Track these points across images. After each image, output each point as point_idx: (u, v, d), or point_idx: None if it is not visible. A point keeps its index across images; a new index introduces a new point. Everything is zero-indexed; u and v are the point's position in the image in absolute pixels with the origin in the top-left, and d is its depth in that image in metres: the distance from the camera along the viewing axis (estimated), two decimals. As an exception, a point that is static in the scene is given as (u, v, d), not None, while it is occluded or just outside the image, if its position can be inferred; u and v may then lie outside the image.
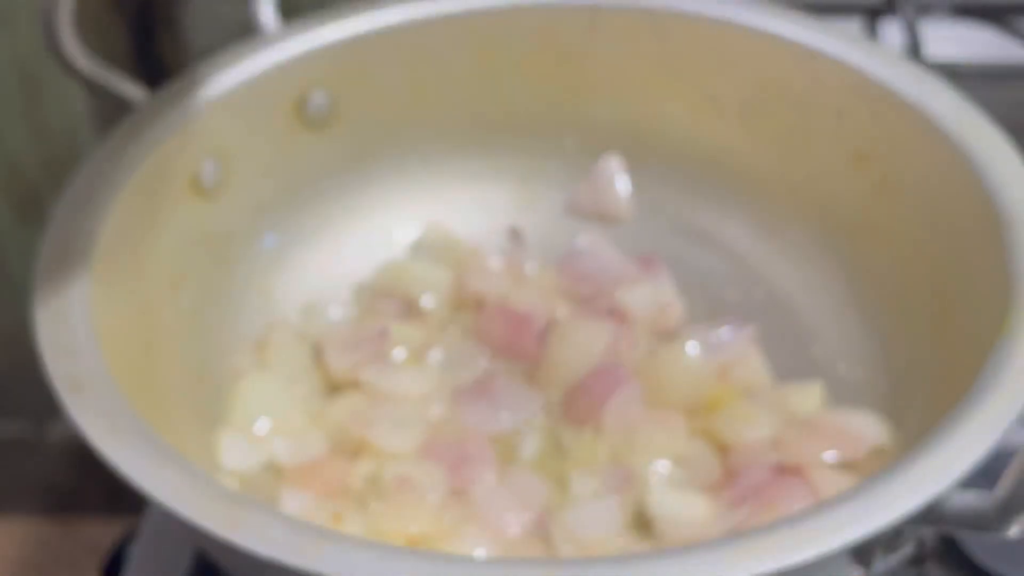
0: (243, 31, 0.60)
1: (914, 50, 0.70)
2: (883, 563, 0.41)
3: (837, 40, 0.58)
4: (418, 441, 0.54)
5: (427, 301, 0.60)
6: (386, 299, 0.60)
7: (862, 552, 0.40)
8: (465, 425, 0.54)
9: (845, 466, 0.51)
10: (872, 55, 0.57)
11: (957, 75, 0.74)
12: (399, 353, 0.57)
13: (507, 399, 0.55)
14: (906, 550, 0.43)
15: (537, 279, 0.61)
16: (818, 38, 0.58)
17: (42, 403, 1.18)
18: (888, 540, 0.40)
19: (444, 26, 0.61)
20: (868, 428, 0.52)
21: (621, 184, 0.63)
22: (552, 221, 0.63)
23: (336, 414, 0.55)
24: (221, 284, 0.58)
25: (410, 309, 0.60)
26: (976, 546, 0.51)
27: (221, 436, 0.54)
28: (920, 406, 0.51)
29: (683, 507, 0.50)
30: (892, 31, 0.74)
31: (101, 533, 1.16)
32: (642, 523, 0.51)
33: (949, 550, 0.51)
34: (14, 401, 1.07)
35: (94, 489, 1.13)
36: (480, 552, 0.49)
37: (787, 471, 0.51)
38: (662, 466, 0.53)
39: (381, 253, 0.63)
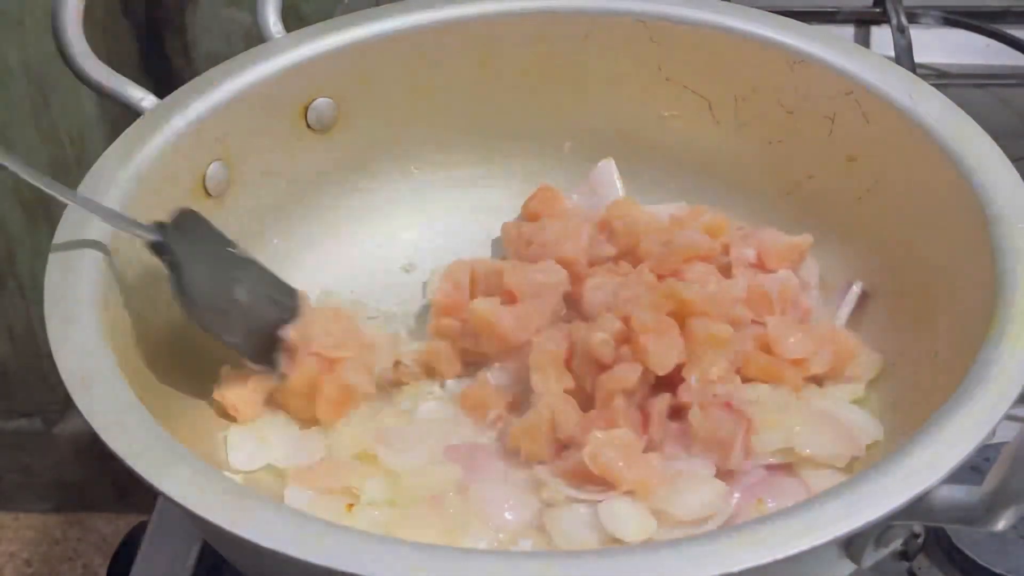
0: (249, 38, 0.61)
1: (905, 56, 0.71)
2: (873, 557, 0.42)
3: (829, 46, 0.58)
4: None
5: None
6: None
7: (852, 546, 0.41)
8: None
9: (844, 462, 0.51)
10: (863, 61, 0.58)
11: (946, 79, 0.74)
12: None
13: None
14: (896, 544, 0.43)
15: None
16: (811, 44, 0.58)
17: (52, 400, 1.19)
18: (878, 534, 0.41)
19: (445, 34, 0.61)
20: (866, 425, 0.52)
21: (616, 187, 0.63)
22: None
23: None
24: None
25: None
26: (965, 540, 0.51)
27: (228, 435, 0.54)
28: (909, 403, 0.51)
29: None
30: (883, 38, 0.75)
31: (109, 528, 1.17)
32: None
33: (939, 544, 0.52)
34: (24, 398, 1.07)
35: (102, 485, 1.13)
36: (481, 545, 0.50)
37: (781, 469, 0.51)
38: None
39: (384, 254, 0.63)
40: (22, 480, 1.16)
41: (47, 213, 0.92)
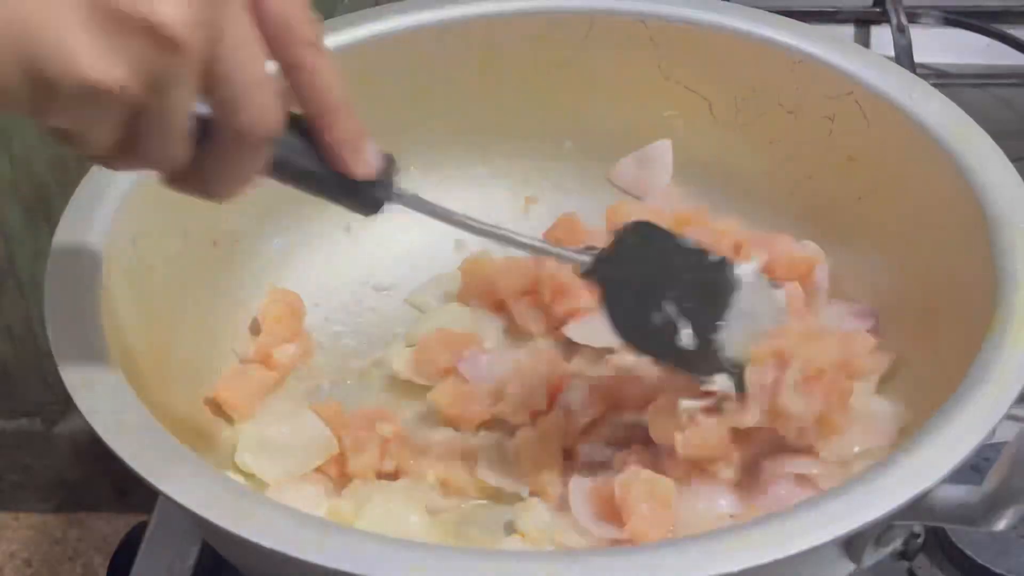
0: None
1: (905, 56, 0.71)
2: (873, 557, 0.42)
3: (829, 46, 0.58)
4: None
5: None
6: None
7: (852, 546, 0.41)
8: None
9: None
10: (863, 61, 0.58)
11: (946, 79, 0.74)
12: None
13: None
14: (896, 544, 0.43)
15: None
16: (811, 44, 0.59)
17: (52, 400, 1.18)
18: (878, 534, 0.41)
19: (445, 33, 0.62)
20: (892, 413, 0.52)
21: (667, 171, 0.63)
22: (552, 221, 0.64)
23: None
24: (228, 284, 0.59)
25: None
26: (965, 540, 0.51)
27: (237, 434, 0.54)
28: (909, 402, 0.52)
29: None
30: (884, 38, 0.75)
31: (109, 528, 1.17)
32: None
33: (939, 544, 0.52)
34: (24, 398, 1.07)
35: (102, 485, 1.13)
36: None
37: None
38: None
39: (384, 254, 0.63)
40: (22, 480, 1.16)
41: (47, 213, 0.91)
